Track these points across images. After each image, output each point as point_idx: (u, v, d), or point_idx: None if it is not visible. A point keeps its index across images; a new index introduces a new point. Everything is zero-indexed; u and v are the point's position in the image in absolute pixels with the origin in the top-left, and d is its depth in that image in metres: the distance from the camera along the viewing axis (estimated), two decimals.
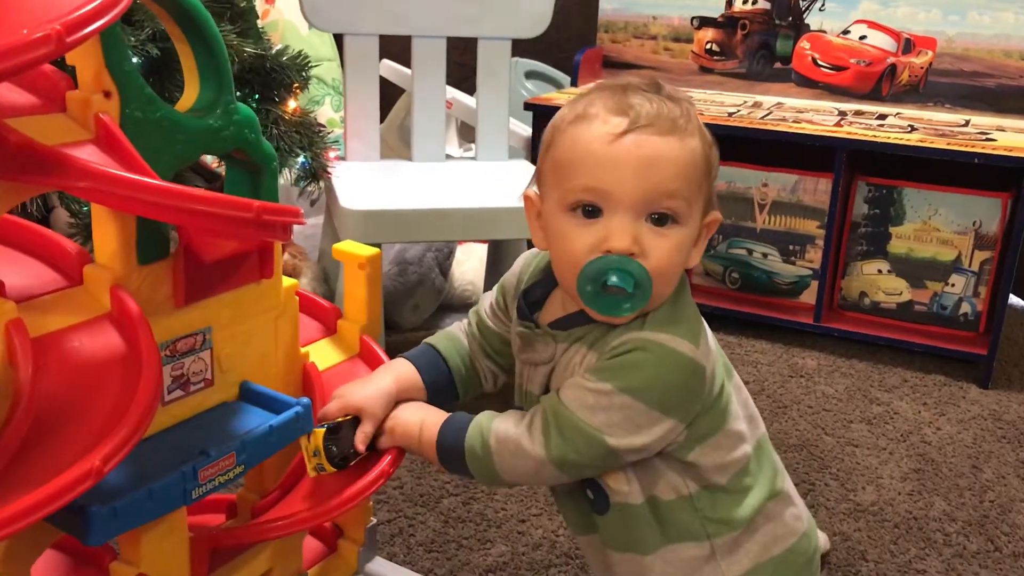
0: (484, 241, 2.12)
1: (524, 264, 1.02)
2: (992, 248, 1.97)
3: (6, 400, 0.64)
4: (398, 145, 2.46)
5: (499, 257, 2.00)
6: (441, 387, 1.02)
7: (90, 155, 0.70)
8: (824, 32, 2.34)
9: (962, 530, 1.44)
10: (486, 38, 1.95)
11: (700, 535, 0.92)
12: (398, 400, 0.97)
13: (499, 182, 1.83)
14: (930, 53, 2.24)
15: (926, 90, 2.26)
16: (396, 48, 2.04)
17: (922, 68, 2.25)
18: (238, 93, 1.54)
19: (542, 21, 1.96)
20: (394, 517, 1.40)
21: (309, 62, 1.65)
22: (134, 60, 1.35)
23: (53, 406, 0.66)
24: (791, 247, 2.13)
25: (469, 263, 2.20)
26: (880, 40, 2.28)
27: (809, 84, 2.37)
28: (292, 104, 1.64)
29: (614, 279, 0.84)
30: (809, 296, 2.12)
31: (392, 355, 1.04)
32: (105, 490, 0.71)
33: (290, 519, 0.88)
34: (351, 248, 1.06)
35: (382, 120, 1.98)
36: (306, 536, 1.06)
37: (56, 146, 0.67)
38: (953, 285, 2.02)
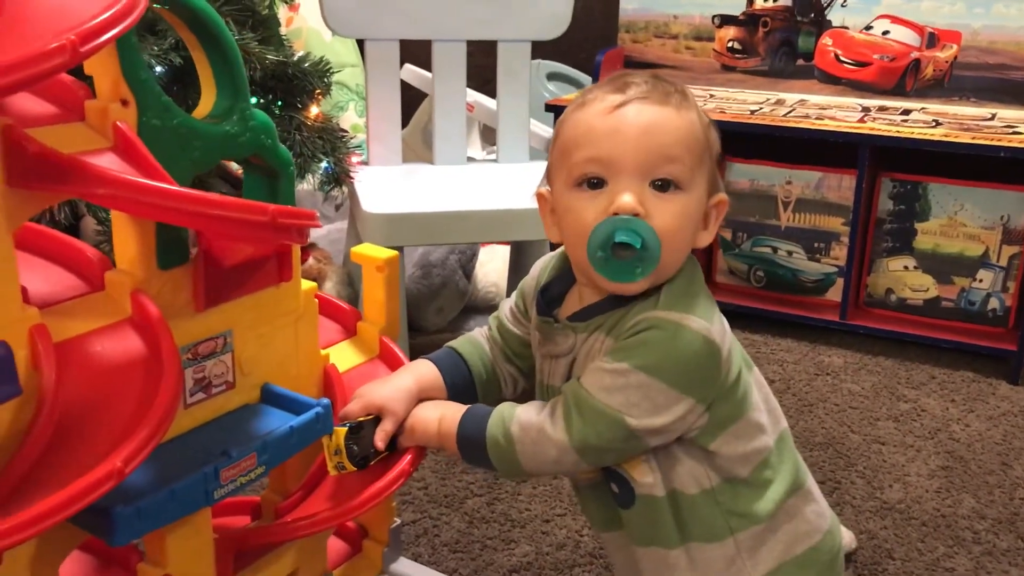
0: (506, 243, 2.13)
1: (541, 267, 1.03)
2: (1020, 243, 1.94)
3: (30, 404, 0.66)
4: (422, 149, 2.47)
5: (521, 258, 2.00)
6: (461, 390, 1.02)
7: (109, 163, 0.71)
8: (846, 28, 2.32)
9: (992, 528, 1.42)
10: (506, 40, 1.96)
11: (723, 531, 0.92)
12: (419, 400, 0.98)
13: (520, 184, 1.83)
14: (955, 47, 2.22)
15: (951, 84, 2.23)
16: (418, 52, 2.05)
17: (947, 62, 2.23)
18: (261, 100, 1.56)
19: (561, 23, 1.97)
20: (419, 518, 1.41)
21: (331, 68, 1.66)
22: (158, 69, 1.37)
23: (76, 409, 0.68)
24: (816, 244, 2.12)
25: (492, 264, 2.20)
26: (903, 35, 2.26)
27: (832, 80, 2.35)
28: (315, 110, 1.66)
29: (622, 236, 0.85)
30: (835, 293, 2.11)
31: (416, 358, 1.05)
32: (129, 491, 0.72)
33: (312, 518, 0.89)
34: (369, 251, 1.07)
35: (404, 124, 1.99)
36: (331, 537, 1.07)
37: (75, 154, 0.68)
38: (981, 280, 2.00)
